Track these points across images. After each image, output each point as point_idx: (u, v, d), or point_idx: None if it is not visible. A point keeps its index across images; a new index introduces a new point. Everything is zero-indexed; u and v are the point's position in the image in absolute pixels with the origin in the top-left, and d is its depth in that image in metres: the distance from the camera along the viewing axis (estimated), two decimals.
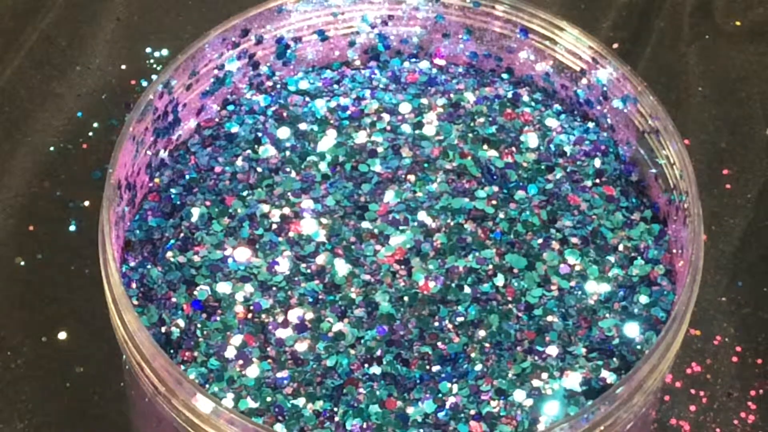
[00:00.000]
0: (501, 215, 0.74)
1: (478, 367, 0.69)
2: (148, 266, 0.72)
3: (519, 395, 0.68)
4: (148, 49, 0.93)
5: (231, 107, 0.80)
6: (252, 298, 0.71)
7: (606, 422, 0.64)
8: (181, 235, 0.73)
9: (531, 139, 0.78)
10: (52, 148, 0.88)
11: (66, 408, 0.77)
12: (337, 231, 0.73)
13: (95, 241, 0.69)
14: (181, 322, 0.70)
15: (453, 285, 0.71)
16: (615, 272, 0.73)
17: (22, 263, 0.82)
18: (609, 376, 0.69)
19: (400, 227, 0.74)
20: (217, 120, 0.79)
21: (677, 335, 0.67)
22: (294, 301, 0.71)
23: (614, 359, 0.69)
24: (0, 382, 0.78)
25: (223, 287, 0.71)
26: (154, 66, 0.92)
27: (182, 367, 0.68)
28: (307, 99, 0.80)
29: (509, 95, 0.81)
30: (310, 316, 0.70)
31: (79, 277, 0.81)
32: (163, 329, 0.70)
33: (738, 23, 0.99)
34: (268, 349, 0.69)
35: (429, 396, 0.68)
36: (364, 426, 0.67)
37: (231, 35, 0.78)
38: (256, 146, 0.77)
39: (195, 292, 0.71)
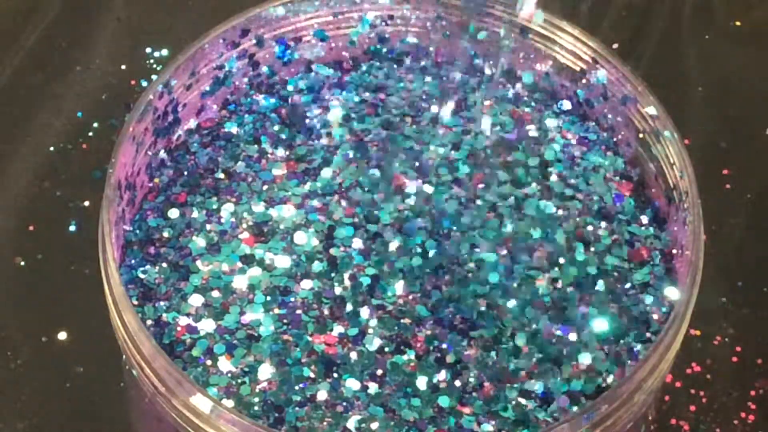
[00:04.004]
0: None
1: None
2: (148, 266, 0.72)
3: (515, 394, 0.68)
4: (148, 49, 0.93)
5: (231, 107, 0.80)
6: (253, 298, 0.71)
7: (606, 422, 0.64)
8: (181, 234, 0.73)
9: (532, 139, 0.78)
10: (52, 148, 0.88)
11: (66, 408, 0.77)
12: (338, 230, 0.74)
13: (95, 241, 0.69)
14: (182, 322, 0.70)
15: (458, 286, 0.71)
16: (615, 272, 0.73)
17: (22, 263, 0.82)
18: (609, 376, 0.69)
19: (403, 230, 0.74)
20: (217, 120, 0.79)
21: (677, 335, 0.67)
22: (294, 301, 0.71)
23: (615, 358, 0.69)
24: (0, 382, 0.78)
25: (224, 287, 0.71)
26: (154, 66, 0.92)
27: (182, 367, 0.68)
28: (308, 99, 0.80)
29: (509, 95, 0.81)
30: (306, 318, 0.70)
31: (79, 277, 0.81)
32: (162, 329, 0.70)
33: (738, 23, 0.99)
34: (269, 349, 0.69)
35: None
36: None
37: (231, 35, 0.78)
38: (256, 146, 0.77)
39: (195, 292, 0.71)
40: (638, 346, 0.70)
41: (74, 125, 0.89)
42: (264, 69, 0.81)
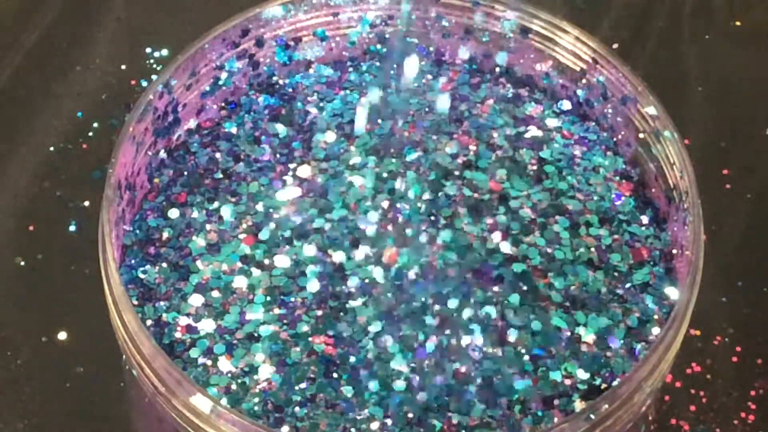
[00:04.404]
0: (501, 214, 0.74)
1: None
2: (148, 266, 0.72)
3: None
4: (148, 49, 0.93)
5: (231, 107, 0.80)
6: (253, 298, 0.71)
7: (606, 422, 0.64)
8: (181, 234, 0.73)
9: (531, 138, 0.78)
10: (52, 148, 0.88)
11: (66, 408, 0.77)
12: (338, 228, 0.74)
13: (95, 241, 0.69)
14: (182, 322, 0.70)
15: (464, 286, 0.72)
16: (615, 272, 0.73)
17: (22, 263, 0.82)
18: (609, 376, 0.69)
19: (406, 228, 0.74)
20: (217, 120, 0.79)
21: (677, 335, 0.67)
22: (295, 301, 0.71)
23: (614, 359, 0.69)
24: (0, 382, 0.78)
25: (224, 287, 0.71)
26: (154, 66, 0.92)
27: (182, 367, 0.68)
28: (308, 98, 0.80)
29: (509, 95, 0.81)
30: (306, 318, 0.70)
31: (79, 277, 0.81)
32: (162, 329, 0.70)
33: (738, 23, 0.99)
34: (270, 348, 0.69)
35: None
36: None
37: (231, 35, 0.78)
38: (255, 146, 0.77)
39: (195, 292, 0.71)
40: (638, 346, 0.70)
41: (74, 125, 0.89)
42: (264, 69, 0.81)
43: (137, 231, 0.74)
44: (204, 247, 0.73)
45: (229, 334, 0.70)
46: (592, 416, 0.63)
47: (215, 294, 0.71)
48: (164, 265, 0.72)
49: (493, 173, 0.76)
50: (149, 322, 0.70)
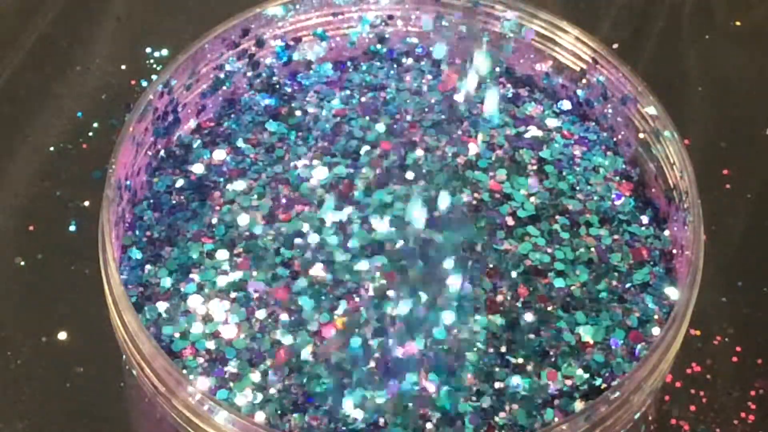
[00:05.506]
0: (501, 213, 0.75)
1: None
2: (148, 266, 0.72)
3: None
4: (148, 49, 0.93)
5: (231, 107, 0.80)
6: (251, 296, 0.71)
7: (606, 422, 0.64)
8: (181, 235, 0.73)
9: (531, 138, 0.78)
10: (52, 148, 0.88)
11: (66, 408, 0.77)
12: (337, 228, 0.74)
13: (95, 241, 0.69)
14: (182, 322, 0.70)
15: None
16: (615, 273, 0.73)
17: (22, 263, 0.82)
18: (609, 376, 0.69)
19: (403, 226, 0.74)
20: (217, 120, 0.79)
21: (677, 335, 0.67)
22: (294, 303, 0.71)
23: (614, 359, 0.69)
24: (0, 382, 0.78)
25: (223, 287, 0.71)
26: (154, 66, 0.92)
27: (182, 367, 0.68)
28: (308, 98, 0.80)
29: (509, 95, 0.81)
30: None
31: (79, 277, 0.81)
32: (162, 329, 0.70)
33: (738, 23, 0.99)
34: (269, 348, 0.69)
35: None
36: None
37: (231, 35, 0.78)
38: (255, 146, 0.77)
39: (195, 292, 0.71)
40: (638, 346, 0.70)
41: (74, 125, 0.89)
42: (264, 69, 0.81)
43: (137, 231, 0.74)
44: (204, 248, 0.73)
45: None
46: (593, 416, 0.63)
47: (214, 295, 0.71)
48: (164, 264, 0.72)
49: (493, 173, 0.76)
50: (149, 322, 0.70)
